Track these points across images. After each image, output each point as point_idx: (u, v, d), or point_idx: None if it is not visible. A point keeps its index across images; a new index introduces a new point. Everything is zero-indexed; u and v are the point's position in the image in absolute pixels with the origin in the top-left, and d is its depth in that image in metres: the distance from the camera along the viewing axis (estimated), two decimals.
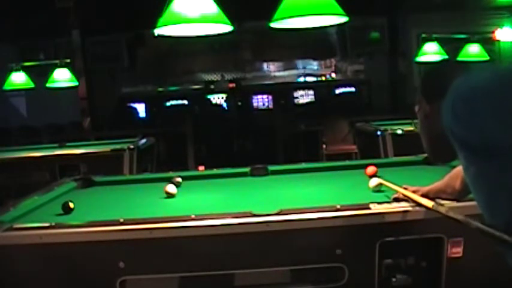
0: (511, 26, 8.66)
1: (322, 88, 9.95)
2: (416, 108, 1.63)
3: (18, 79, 6.83)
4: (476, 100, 1.32)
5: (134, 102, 9.75)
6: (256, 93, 9.87)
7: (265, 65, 10.14)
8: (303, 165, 3.38)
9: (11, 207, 2.40)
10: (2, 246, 1.99)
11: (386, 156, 5.01)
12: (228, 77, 9.89)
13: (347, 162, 3.50)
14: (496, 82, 1.33)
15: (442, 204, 1.88)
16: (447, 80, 1.47)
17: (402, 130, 5.15)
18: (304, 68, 10.14)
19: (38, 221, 2.14)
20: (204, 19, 2.99)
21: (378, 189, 2.45)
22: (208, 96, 9.80)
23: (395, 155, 4.79)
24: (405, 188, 2.14)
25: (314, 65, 10.16)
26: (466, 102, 1.33)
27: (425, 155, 2.85)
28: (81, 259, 1.99)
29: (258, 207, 2.04)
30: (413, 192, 2.06)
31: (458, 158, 1.41)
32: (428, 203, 1.90)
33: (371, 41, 9.24)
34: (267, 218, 1.97)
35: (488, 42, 8.11)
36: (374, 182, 2.49)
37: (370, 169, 2.84)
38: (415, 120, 1.67)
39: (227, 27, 3.14)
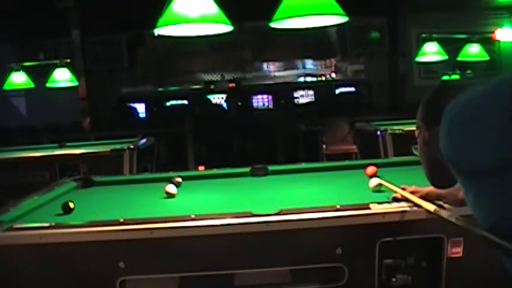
0: (511, 26, 8.66)
1: (322, 88, 9.94)
2: (416, 133, 1.61)
3: (18, 79, 6.82)
4: (470, 120, 1.26)
5: (134, 102, 9.75)
6: (256, 93, 9.87)
7: (265, 65, 10.13)
8: (303, 165, 3.39)
9: (11, 207, 2.40)
10: (2, 246, 1.99)
11: (386, 156, 5.00)
12: (228, 77, 9.88)
13: (347, 162, 3.50)
14: (487, 97, 1.25)
15: (443, 207, 1.86)
16: (445, 106, 1.44)
17: (402, 130, 5.15)
18: (304, 68, 10.14)
19: (38, 221, 2.14)
20: (204, 19, 2.99)
21: (378, 189, 2.46)
22: (208, 96, 9.80)
23: (395, 155, 4.78)
24: (403, 189, 2.14)
25: (314, 65, 10.15)
26: (460, 124, 1.27)
27: None
28: (81, 259, 1.99)
29: (258, 207, 2.04)
30: (412, 192, 2.06)
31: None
32: (430, 207, 1.88)
33: (371, 41, 9.24)
34: (267, 218, 1.97)
35: (488, 42, 8.11)
36: (374, 182, 2.49)
37: (370, 169, 2.84)
38: (415, 146, 1.67)
39: (227, 27, 3.14)
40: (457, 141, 1.27)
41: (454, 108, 1.32)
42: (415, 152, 1.69)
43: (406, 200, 2.06)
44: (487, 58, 7.39)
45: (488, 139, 1.19)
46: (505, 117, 1.15)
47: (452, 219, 1.66)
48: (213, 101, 9.82)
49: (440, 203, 1.98)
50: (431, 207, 1.88)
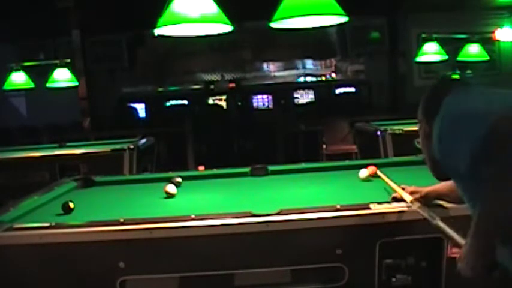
0: (511, 26, 8.66)
1: (322, 88, 9.94)
2: (418, 127, 1.66)
3: (18, 79, 6.82)
4: (461, 127, 1.38)
5: (134, 102, 9.75)
6: (256, 93, 9.87)
7: (265, 65, 10.14)
8: (303, 165, 3.39)
9: (11, 207, 2.40)
10: (2, 246, 1.99)
11: (386, 156, 5.00)
12: (228, 77, 9.88)
13: (347, 162, 3.50)
14: (482, 105, 1.38)
15: (420, 201, 1.96)
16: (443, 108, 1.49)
17: (402, 130, 5.15)
18: (304, 68, 10.14)
19: (38, 221, 2.14)
20: (204, 19, 2.99)
21: (368, 179, 2.65)
22: (209, 97, 9.82)
23: (395, 155, 4.78)
24: (403, 188, 2.14)
25: (314, 65, 10.15)
26: (451, 130, 1.38)
27: None
28: (81, 259, 1.99)
29: (258, 207, 2.05)
30: (412, 192, 2.06)
31: None
32: (407, 197, 2.02)
33: (371, 41, 9.24)
34: (267, 218, 1.98)
35: (488, 42, 8.11)
36: (364, 172, 2.68)
37: (370, 169, 2.85)
38: (418, 140, 1.70)
39: (227, 27, 3.14)
40: (444, 147, 1.42)
41: (443, 119, 1.42)
42: (417, 145, 1.74)
43: (405, 200, 2.07)
44: (487, 58, 7.38)
45: (463, 151, 1.37)
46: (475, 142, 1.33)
47: (421, 211, 1.84)
48: (213, 102, 9.83)
49: (441, 202, 1.98)
50: (408, 197, 2.01)
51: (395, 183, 2.26)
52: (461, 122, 1.39)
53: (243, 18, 6.57)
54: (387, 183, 2.33)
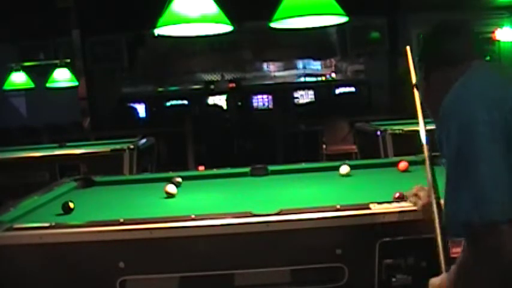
0: (511, 26, 8.66)
1: (322, 88, 9.95)
2: (417, 68, 1.70)
3: (18, 79, 6.84)
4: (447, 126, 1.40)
5: (134, 102, 9.75)
6: (256, 93, 9.88)
7: (265, 65, 10.14)
8: (303, 165, 3.38)
9: (11, 207, 2.40)
10: (2, 246, 1.99)
11: (386, 156, 4.99)
12: (228, 77, 9.89)
13: (347, 162, 3.50)
14: (487, 87, 1.39)
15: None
16: (443, 55, 1.51)
17: (402, 130, 5.14)
18: (304, 68, 10.14)
19: (38, 221, 2.14)
20: (204, 19, 2.99)
21: (347, 175, 2.93)
22: (208, 97, 9.82)
23: (395, 155, 4.77)
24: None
25: (314, 65, 10.16)
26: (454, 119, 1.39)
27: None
28: (81, 259, 1.99)
29: (258, 207, 2.04)
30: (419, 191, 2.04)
31: None
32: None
33: (371, 41, 9.23)
34: (267, 218, 1.97)
35: (488, 42, 8.11)
36: (345, 169, 2.93)
37: (402, 164, 2.94)
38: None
39: (227, 27, 3.14)
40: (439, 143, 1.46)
41: (450, 99, 1.44)
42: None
43: (406, 199, 2.06)
44: (487, 58, 7.39)
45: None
46: None
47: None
48: (213, 102, 9.83)
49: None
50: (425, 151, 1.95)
51: (398, 187, 2.24)
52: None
53: (243, 18, 6.56)
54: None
